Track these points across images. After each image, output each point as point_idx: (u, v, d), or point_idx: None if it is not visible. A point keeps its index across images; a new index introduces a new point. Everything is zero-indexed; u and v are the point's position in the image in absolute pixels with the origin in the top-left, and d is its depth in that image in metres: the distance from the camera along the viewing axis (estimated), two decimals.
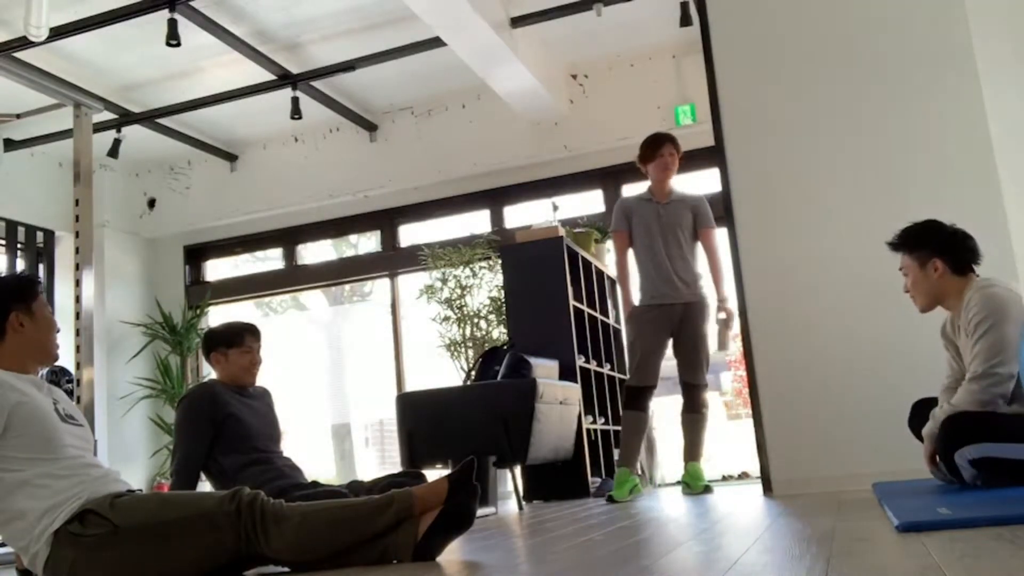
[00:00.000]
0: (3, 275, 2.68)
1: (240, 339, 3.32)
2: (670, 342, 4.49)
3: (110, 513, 2.11)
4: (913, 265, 2.98)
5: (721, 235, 4.07)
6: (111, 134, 6.80)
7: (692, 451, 4.43)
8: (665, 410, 6.03)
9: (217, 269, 8.36)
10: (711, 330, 4.52)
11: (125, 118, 6.80)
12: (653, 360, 4.43)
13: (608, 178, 6.89)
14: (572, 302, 5.45)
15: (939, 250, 2.92)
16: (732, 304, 4.17)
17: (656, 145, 4.55)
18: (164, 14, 5.20)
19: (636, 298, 4.57)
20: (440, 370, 6.35)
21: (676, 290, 4.44)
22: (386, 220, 7.66)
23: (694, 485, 4.32)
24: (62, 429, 2.26)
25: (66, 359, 3.25)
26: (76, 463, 2.25)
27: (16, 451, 2.16)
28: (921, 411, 3.01)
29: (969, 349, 2.83)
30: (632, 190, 5.79)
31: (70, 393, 3.88)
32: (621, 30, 6.23)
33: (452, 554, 2.29)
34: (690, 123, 6.47)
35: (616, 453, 5.82)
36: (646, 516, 3.16)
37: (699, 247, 4.58)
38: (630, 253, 4.62)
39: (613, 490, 4.27)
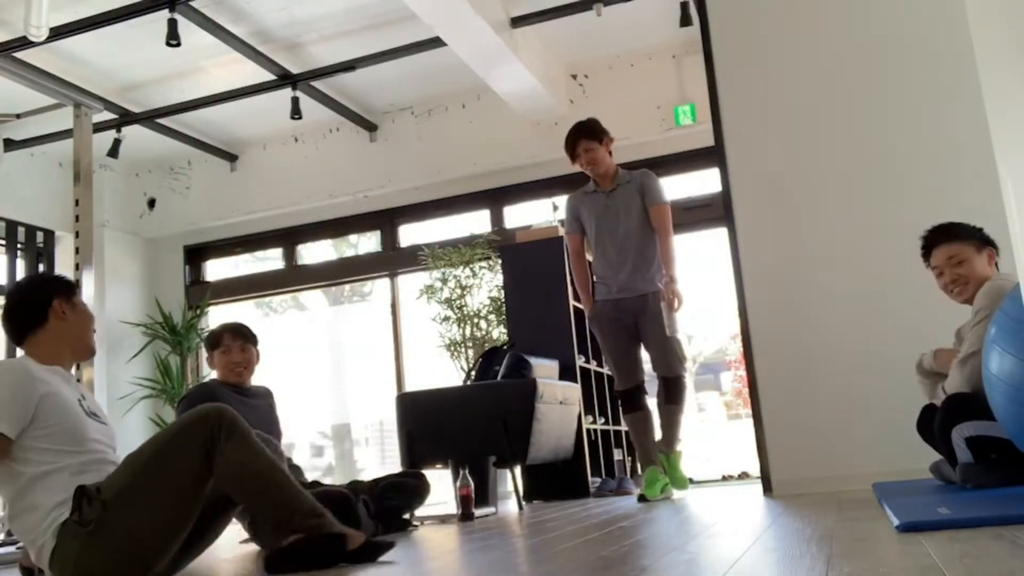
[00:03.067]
0: (43, 273, 2.85)
1: (219, 340, 3.41)
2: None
3: (99, 494, 2.15)
4: (968, 249, 2.91)
5: (721, 235, 4.05)
6: (111, 134, 6.80)
7: (668, 441, 4.26)
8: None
9: (217, 269, 8.36)
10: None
11: (125, 118, 6.80)
12: (628, 359, 4.29)
13: None
14: (572, 302, 5.45)
15: (989, 241, 2.92)
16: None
17: (570, 147, 4.41)
18: (164, 14, 5.20)
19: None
20: (440, 370, 6.35)
21: (631, 282, 4.25)
22: (386, 220, 7.66)
23: (675, 481, 4.23)
24: (87, 423, 2.29)
25: None
26: (98, 457, 2.29)
27: (42, 442, 2.18)
28: (930, 416, 2.98)
29: (967, 334, 2.84)
30: None
31: None
32: (621, 30, 6.23)
33: (452, 554, 2.29)
34: (690, 123, 6.46)
35: (616, 453, 5.86)
36: (646, 516, 3.16)
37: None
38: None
39: (644, 489, 4.09)
